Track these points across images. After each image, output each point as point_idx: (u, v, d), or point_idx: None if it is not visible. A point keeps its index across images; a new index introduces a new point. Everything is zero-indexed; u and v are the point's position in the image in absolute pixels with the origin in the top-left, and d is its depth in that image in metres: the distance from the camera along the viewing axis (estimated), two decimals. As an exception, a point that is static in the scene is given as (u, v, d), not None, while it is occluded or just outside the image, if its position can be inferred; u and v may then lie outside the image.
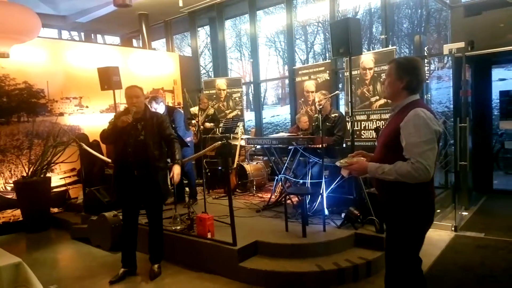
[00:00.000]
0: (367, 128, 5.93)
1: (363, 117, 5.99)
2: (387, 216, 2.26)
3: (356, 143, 4.47)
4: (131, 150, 3.58)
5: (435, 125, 2.02)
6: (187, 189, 5.66)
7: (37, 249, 4.87)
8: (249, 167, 6.17)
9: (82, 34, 10.55)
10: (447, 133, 5.67)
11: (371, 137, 5.80)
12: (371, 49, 10.33)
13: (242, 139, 6.26)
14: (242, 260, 3.58)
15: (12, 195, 5.64)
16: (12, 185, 5.63)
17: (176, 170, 3.62)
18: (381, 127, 4.52)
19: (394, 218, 2.19)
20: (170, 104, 7.76)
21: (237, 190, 6.14)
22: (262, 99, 9.77)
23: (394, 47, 6.15)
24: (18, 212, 5.67)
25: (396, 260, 2.23)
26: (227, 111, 8.06)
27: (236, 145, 6.31)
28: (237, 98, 8.08)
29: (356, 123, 5.97)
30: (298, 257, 3.60)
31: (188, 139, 5.40)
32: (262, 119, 9.09)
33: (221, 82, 8.12)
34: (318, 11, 11.02)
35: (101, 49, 7.21)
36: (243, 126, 7.65)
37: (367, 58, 5.93)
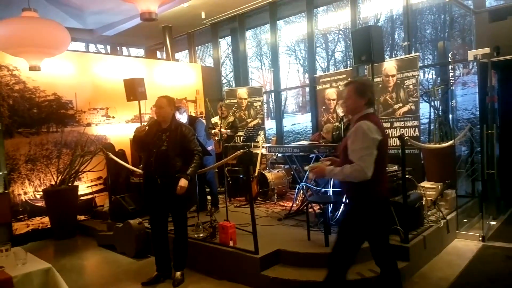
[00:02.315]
0: (390, 135, 5.85)
1: (387, 124, 5.92)
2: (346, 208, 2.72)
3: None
4: (153, 159, 3.67)
5: (373, 134, 2.43)
6: (209, 197, 5.76)
7: (65, 255, 5.01)
8: (270, 175, 6.18)
9: (108, 47, 10.91)
10: (473, 141, 5.53)
11: (395, 144, 5.72)
12: (393, 55, 10.21)
13: (263, 147, 6.30)
14: (264, 269, 3.58)
15: (41, 203, 5.83)
16: (41, 193, 5.83)
17: (181, 182, 3.61)
18: (405, 134, 4.46)
19: (349, 206, 2.73)
20: (193, 114, 7.89)
21: (258, 198, 6.16)
22: (282, 108, 9.79)
23: (417, 53, 6.07)
24: (46, 219, 5.85)
25: (342, 239, 2.65)
26: (248, 120, 8.12)
27: (257, 153, 6.34)
28: (258, 107, 8.14)
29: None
30: (321, 267, 3.53)
31: (210, 147, 5.47)
32: (283, 127, 9.10)
33: (242, 91, 8.20)
34: (339, 19, 11.00)
35: (127, 61, 7.43)
36: (264, 134, 7.69)
37: (389, 65, 5.88)
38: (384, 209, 2.61)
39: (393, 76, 5.86)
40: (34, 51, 4.91)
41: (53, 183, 5.85)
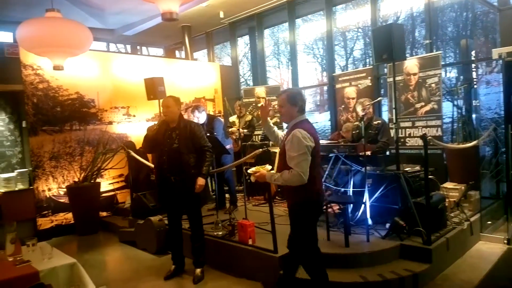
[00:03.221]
0: (412, 135, 5.76)
1: (408, 124, 5.82)
2: (289, 209, 2.96)
3: (400, 151, 4.33)
4: (166, 157, 3.74)
5: (308, 142, 2.67)
6: (227, 195, 5.78)
7: (87, 251, 5.12)
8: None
9: (129, 46, 11.06)
10: (498, 141, 5.39)
11: (416, 144, 5.63)
12: (413, 53, 10.03)
13: (281, 146, 6.27)
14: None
15: (64, 199, 5.98)
16: (64, 189, 5.97)
17: (199, 181, 3.72)
18: (427, 134, 4.38)
19: (290, 206, 2.92)
20: (211, 113, 7.93)
21: (276, 197, 6.15)
22: (301, 107, 9.75)
23: (439, 52, 5.95)
24: (69, 215, 6.00)
25: (294, 241, 2.95)
26: (267, 119, 8.10)
27: (276, 152, 6.32)
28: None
29: (400, 130, 5.81)
30: (341, 267, 3.55)
31: (228, 146, 5.49)
32: (301, 127, 9.06)
33: (260, 90, 8.20)
34: (358, 16, 10.88)
35: (147, 60, 7.53)
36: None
37: (411, 64, 5.79)
38: (316, 208, 2.90)
39: (414, 74, 5.77)
40: (57, 51, 5.03)
41: (76, 180, 5.99)
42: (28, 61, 5.73)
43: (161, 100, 5.88)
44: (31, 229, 5.72)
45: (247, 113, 6.82)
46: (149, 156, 6.30)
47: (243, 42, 11.77)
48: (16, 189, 6.15)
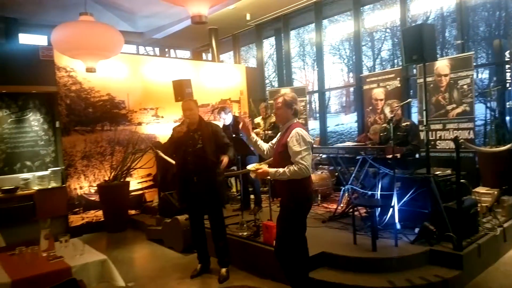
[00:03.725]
0: (442, 138, 5.60)
1: (439, 126, 5.67)
2: (281, 206, 3.12)
3: (430, 154, 4.22)
4: (191, 158, 3.80)
5: (309, 139, 2.99)
6: (252, 196, 5.80)
7: (116, 248, 5.26)
8: (314, 176, 6.12)
9: (157, 49, 11.30)
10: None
11: (447, 147, 5.47)
12: (444, 54, 9.76)
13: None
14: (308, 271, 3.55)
15: (95, 197, 6.16)
16: (95, 188, 6.16)
17: (225, 159, 3.85)
18: (459, 137, 4.24)
19: (286, 203, 3.06)
20: (237, 114, 7.98)
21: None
22: (326, 108, 9.66)
23: (472, 52, 5.77)
24: (100, 213, 6.18)
25: (284, 233, 3.07)
26: (292, 120, 8.08)
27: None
28: (301, 107, 8.07)
29: (430, 132, 5.66)
30: (368, 272, 3.49)
31: (253, 147, 5.50)
32: (327, 128, 8.99)
33: (285, 92, 8.17)
34: (387, 17, 10.69)
35: (174, 63, 7.67)
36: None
37: (442, 64, 5.64)
38: (309, 204, 3.13)
39: (446, 75, 5.61)
40: (90, 54, 5.19)
41: (107, 178, 6.16)
42: (62, 63, 5.95)
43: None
44: (63, 225, 5.93)
45: (272, 114, 6.81)
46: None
47: (268, 44, 11.80)
48: (49, 187, 6.41)
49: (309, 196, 3.07)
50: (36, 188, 6.34)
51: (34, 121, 6.79)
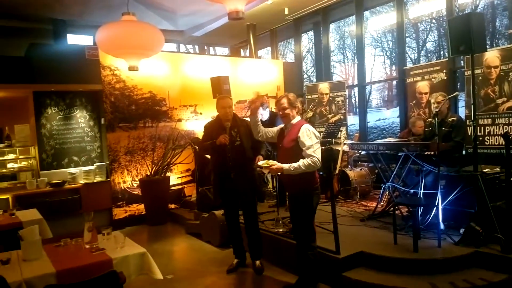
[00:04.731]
0: (492, 133, 5.26)
1: (487, 121, 5.32)
2: (291, 197, 3.41)
3: (478, 150, 3.97)
4: (230, 155, 3.83)
5: (317, 134, 3.24)
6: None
7: (156, 240, 5.42)
8: (352, 173, 5.97)
9: (197, 47, 11.48)
10: None
11: (497, 143, 5.12)
12: (494, 45, 9.16)
13: (345, 144, 6.10)
14: (345, 270, 3.48)
15: (137, 191, 6.39)
16: (137, 182, 6.38)
17: (260, 157, 3.89)
18: (510, 132, 3.96)
19: (298, 195, 3.29)
20: (274, 110, 7.94)
21: (339, 197, 5.99)
22: (366, 102, 9.37)
23: (526, 41, 5.36)
24: (141, 206, 6.40)
25: (300, 221, 3.33)
26: (330, 116, 7.94)
27: (339, 150, 6.16)
28: (340, 102, 7.91)
29: (479, 127, 5.33)
30: (408, 273, 3.36)
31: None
32: (367, 123, 8.74)
33: (324, 86, 8.04)
34: (432, 6, 10.18)
35: (213, 60, 7.77)
36: (346, 130, 7.44)
37: (492, 55, 5.28)
38: (319, 194, 3.38)
39: (496, 67, 5.25)
40: (132, 52, 5.35)
41: (148, 173, 6.36)
42: (106, 62, 6.19)
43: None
44: (108, 218, 6.21)
45: (308, 110, 6.73)
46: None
47: (307, 38, 11.63)
48: (95, 181, 6.71)
49: (317, 186, 3.30)
50: (82, 182, 6.66)
51: (81, 118, 7.14)
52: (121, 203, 6.31)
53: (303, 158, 3.13)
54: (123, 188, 6.33)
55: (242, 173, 3.86)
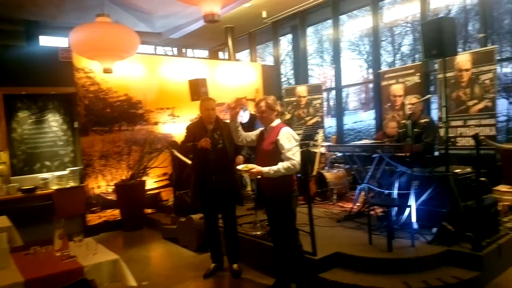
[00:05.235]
0: (463, 134, 5.41)
1: (459, 122, 5.48)
2: (270, 200, 3.38)
3: (450, 151, 4.07)
4: (213, 157, 3.79)
5: (296, 136, 3.25)
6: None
7: (132, 246, 5.32)
8: (329, 175, 6.04)
9: (175, 49, 11.38)
10: None
11: (468, 144, 5.27)
12: (466, 48, 9.45)
13: (322, 146, 6.15)
14: (321, 271, 3.50)
15: (112, 196, 6.25)
16: (113, 187, 6.25)
17: (240, 158, 3.98)
18: (479, 134, 4.08)
19: (276, 198, 3.30)
20: (253, 112, 7.94)
21: (316, 198, 6.04)
22: (343, 105, 9.50)
23: (495, 46, 5.55)
24: (117, 212, 6.26)
25: (280, 223, 3.37)
26: (307, 118, 8.00)
27: (316, 152, 6.21)
28: (317, 105, 7.98)
29: (450, 129, 5.47)
30: (383, 273, 3.41)
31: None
32: (343, 126, 8.85)
33: (301, 89, 8.11)
34: (407, 11, 10.43)
35: (191, 62, 7.69)
36: (324, 132, 7.52)
37: (463, 59, 5.45)
38: (297, 196, 3.38)
39: (467, 70, 5.42)
40: (107, 55, 5.27)
41: (124, 178, 6.24)
42: (80, 64, 6.05)
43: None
44: (81, 224, 6.04)
45: (286, 112, 6.76)
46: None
47: (285, 41, 11.70)
48: (68, 186, 6.54)
49: (295, 188, 3.31)
50: (55, 187, 6.48)
51: (54, 122, 6.95)
52: (95, 208, 6.15)
53: (282, 161, 3.12)
54: (97, 193, 6.18)
55: (224, 176, 3.82)
